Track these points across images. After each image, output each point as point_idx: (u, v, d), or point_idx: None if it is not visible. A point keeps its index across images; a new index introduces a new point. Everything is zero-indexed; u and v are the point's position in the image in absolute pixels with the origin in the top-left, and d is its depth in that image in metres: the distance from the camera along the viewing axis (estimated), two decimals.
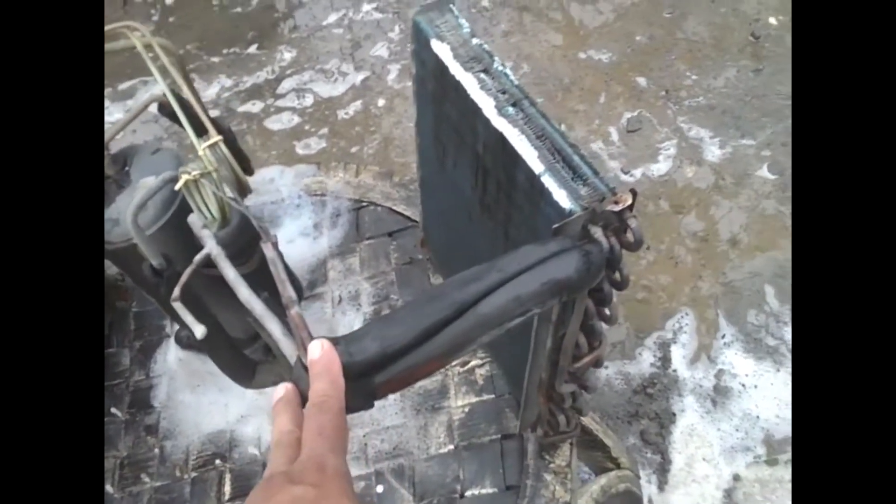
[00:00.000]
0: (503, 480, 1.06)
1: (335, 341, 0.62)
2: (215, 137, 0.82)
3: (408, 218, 1.37)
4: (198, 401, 1.23)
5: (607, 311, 0.80)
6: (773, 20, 2.62)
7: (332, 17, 3.07)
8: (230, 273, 0.77)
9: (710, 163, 2.23)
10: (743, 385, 1.76)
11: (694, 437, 1.70)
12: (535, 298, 0.66)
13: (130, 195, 1.04)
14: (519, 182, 0.82)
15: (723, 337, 1.84)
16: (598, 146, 2.35)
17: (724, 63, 2.50)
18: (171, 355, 1.29)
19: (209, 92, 2.84)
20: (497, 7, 2.86)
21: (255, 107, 2.73)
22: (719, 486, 1.63)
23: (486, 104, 0.84)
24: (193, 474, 1.15)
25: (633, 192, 0.74)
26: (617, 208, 0.72)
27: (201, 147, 0.81)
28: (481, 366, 1.17)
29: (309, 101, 2.74)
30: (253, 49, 3.00)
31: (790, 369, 1.76)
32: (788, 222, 2.04)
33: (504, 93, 0.85)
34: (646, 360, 1.84)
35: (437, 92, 0.98)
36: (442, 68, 0.91)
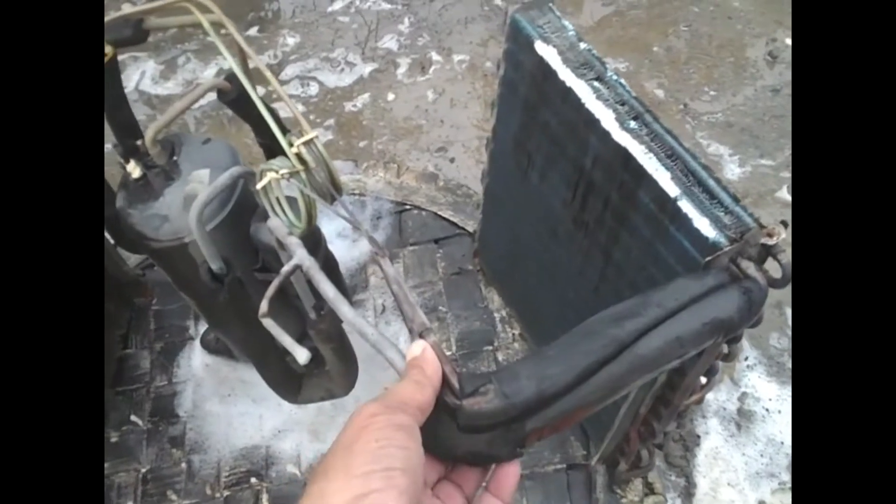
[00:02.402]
0: None
1: (486, 378, 0.54)
2: (311, 133, 0.73)
3: (455, 225, 1.29)
4: (228, 411, 1.13)
5: (734, 348, 0.75)
6: (788, 41, 2.62)
7: (339, 4, 2.96)
8: (329, 290, 0.68)
9: (730, 181, 2.21)
10: (767, 409, 1.73)
11: (718, 460, 1.67)
12: (696, 339, 0.59)
13: (181, 188, 0.94)
14: (641, 203, 0.75)
15: (746, 359, 1.82)
16: None
17: (742, 81, 2.49)
18: (196, 360, 1.19)
19: (206, 73, 2.70)
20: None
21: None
22: None
23: (605, 116, 0.77)
24: (226, 493, 1.05)
25: (785, 224, 0.68)
26: (771, 241, 0.66)
27: (296, 143, 0.72)
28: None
29: (314, 90, 2.63)
30: (253, 31, 2.87)
31: None
32: None
33: (623, 104, 0.78)
34: None
35: (531, 98, 0.90)
36: (546, 73, 0.84)
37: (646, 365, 0.58)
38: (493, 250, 1.17)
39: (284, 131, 0.78)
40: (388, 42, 2.81)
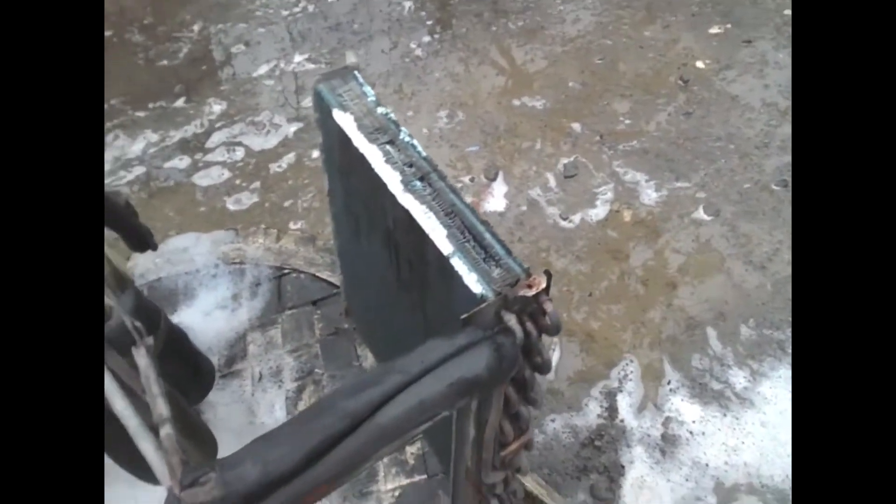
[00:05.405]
0: None
1: (210, 467, 0.54)
2: None
3: (332, 285, 1.30)
4: (105, 497, 1.12)
5: (532, 394, 0.75)
6: (700, 64, 2.69)
7: (263, 69, 3.03)
8: (108, 384, 0.69)
9: (647, 206, 2.23)
10: (690, 432, 1.72)
11: (644, 489, 1.65)
12: (442, 402, 0.60)
13: None
14: (430, 261, 0.76)
15: (668, 383, 1.81)
16: (536, 193, 2.33)
17: (656, 107, 2.54)
18: None
19: (134, 148, 2.74)
20: (430, 56, 2.86)
21: (182, 162, 2.63)
22: None
23: (392, 179, 0.79)
24: None
25: (548, 274, 0.69)
26: (531, 293, 0.67)
27: None
28: (412, 443, 1.10)
29: (240, 154, 2.66)
30: (180, 103, 2.91)
31: (737, 414, 1.74)
32: (727, 264, 2.05)
33: (411, 166, 0.80)
34: (592, 412, 1.79)
35: (343, 164, 0.92)
36: (346, 140, 0.86)
37: (388, 434, 0.58)
38: (356, 308, 1.18)
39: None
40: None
